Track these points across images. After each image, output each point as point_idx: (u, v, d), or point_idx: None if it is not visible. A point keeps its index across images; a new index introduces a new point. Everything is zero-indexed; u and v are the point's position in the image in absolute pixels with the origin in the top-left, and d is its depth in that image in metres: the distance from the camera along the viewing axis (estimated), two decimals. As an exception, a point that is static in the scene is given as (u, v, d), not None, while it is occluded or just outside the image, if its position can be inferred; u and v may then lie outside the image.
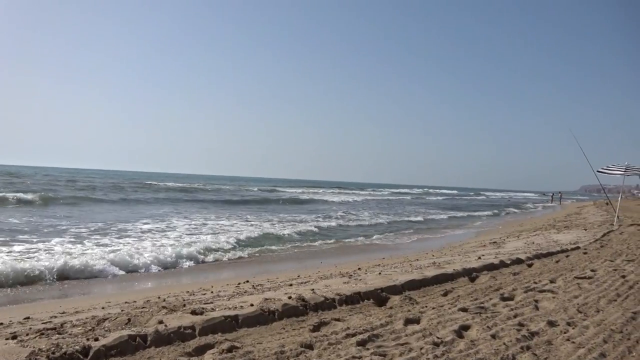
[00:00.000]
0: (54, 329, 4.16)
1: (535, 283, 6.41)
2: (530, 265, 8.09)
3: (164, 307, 4.79)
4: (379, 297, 5.50)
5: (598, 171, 17.86)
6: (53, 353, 3.28)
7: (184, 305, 4.92)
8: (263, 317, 4.46)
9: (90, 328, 4.11)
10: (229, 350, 3.62)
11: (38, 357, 3.22)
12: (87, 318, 4.56)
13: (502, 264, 7.96)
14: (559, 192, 62.21)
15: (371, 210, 31.56)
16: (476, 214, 32.48)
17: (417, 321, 4.53)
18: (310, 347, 3.75)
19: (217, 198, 36.66)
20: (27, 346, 3.50)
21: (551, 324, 4.46)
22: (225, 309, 4.65)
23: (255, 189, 56.59)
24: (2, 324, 4.69)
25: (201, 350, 3.65)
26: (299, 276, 7.85)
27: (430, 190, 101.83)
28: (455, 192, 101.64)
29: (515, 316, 4.73)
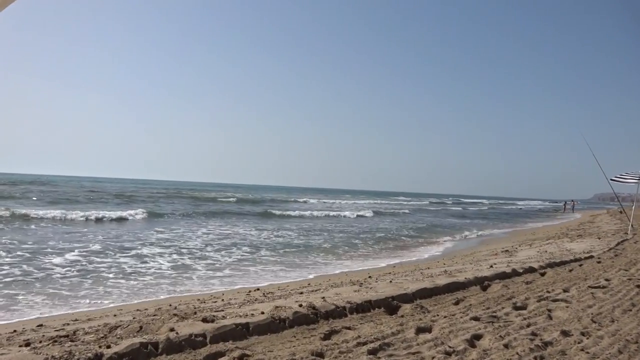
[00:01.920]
0: (67, 336, 4.19)
1: (549, 292, 6.34)
2: (543, 274, 8.01)
3: (175, 315, 4.81)
4: (390, 305, 5.47)
5: (612, 179, 17.67)
6: (66, 360, 3.30)
7: (195, 313, 4.93)
8: (274, 325, 4.45)
9: (102, 335, 4.13)
10: (240, 358, 3.62)
11: (51, 363, 3.24)
12: (99, 325, 4.58)
13: (515, 273, 7.89)
14: (572, 201, 61.59)
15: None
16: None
17: (428, 330, 4.50)
18: (321, 355, 3.74)
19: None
20: (40, 353, 3.52)
21: (565, 333, 4.41)
22: (236, 316, 4.66)
23: (314, 201, 54.79)
24: (15, 331, 4.73)
25: (212, 358, 3.65)
26: (309, 284, 7.84)
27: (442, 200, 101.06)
28: (488, 201, 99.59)
29: (528, 325, 4.68)
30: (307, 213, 30.99)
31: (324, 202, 54.44)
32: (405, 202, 67.30)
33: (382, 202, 62.80)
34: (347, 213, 33.64)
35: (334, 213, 33.08)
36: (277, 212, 30.18)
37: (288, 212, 30.73)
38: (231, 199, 45.36)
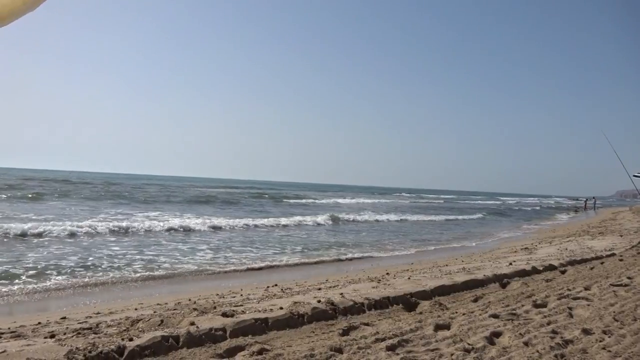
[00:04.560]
0: (90, 328, 4.28)
1: (569, 290, 6.27)
2: (563, 272, 7.92)
3: (195, 309, 4.87)
4: (409, 302, 5.47)
5: (634, 176, 17.32)
6: (90, 352, 3.37)
7: (215, 308, 4.99)
8: (293, 321, 4.49)
9: (124, 328, 4.21)
10: (259, 352, 3.66)
11: (76, 355, 3.32)
12: (121, 319, 4.67)
13: (534, 270, 7.81)
14: (593, 197, 60.58)
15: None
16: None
17: (447, 327, 4.49)
18: (339, 351, 3.76)
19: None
20: (65, 345, 3.61)
21: (586, 332, 4.36)
22: (255, 311, 4.71)
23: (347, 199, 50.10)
24: (40, 323, 4.84)
25: (232, 352, 3.70)
26: (327, 280, 7.86)
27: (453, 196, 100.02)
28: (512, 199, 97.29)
29: (548, 323, 4.63)
30: (368, 217, 25.47)
31: (356, 201, 48.78)
32: (441, 201, 65.08)
33: (419, 201, 60.35)
34: (418, 217, 27.77)
35: (387, 217, 26.34)
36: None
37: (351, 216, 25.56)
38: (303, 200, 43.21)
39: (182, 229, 15.54)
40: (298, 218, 21.52)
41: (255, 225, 18.11)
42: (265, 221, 19.16)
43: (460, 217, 30.45)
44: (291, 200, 41.02)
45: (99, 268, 8.95)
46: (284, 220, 20.04)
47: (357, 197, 56.47)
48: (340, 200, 46.89)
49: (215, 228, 16.54)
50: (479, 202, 68.65)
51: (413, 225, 23.16)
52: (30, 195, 26.99)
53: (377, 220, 24.28)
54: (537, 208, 53.80)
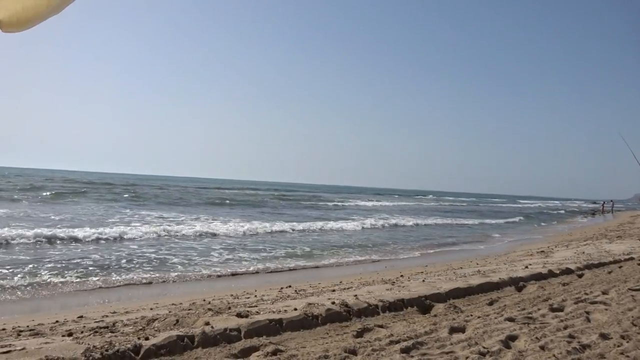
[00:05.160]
0: (107, 327, 4.33)
1: (587, 294, 6.19)
2: (580, 276, 7.81)
3: (209, 309, 4.91)
4: (423, 304, 5.44)
5: (654, 179, 17.05)
6: (107, 350, 3.42)
7: (229, 308, 5.02)
8: (307, 322, 4.50)
9: (140, 328, 4.25)
10: (274, 353, 3.67)
11: (93, 353, 3.36)
12: (137, 318, 4.72)
13: (551, 274, 7.72)
14: (611, 201, 59.66)
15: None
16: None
17: (462, 330, 4.46)
18: (354, 352, 3.76)
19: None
20: (82, 343, 3.66)
21: (604, 336, 4.30)
22: (269, 312, 4.72)
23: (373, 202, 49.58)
24: (57, 321, 4.91)
25: (246, 352, 3.72)
26: (341, 282, 7.86)
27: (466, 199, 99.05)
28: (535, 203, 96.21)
29: (565, 328, 4.58)
30: (420, 221, 25.34)
31: (382, 204, 47.82)
32: (473, 204, 64.60)
33: (442, 204, 59.58)
34: (468, 222, 27.26)
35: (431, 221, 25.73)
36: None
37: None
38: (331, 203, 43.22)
39: (250, 233, 16.03)
40: (370, 221, 22.43)
41: (323, 229, 18.78)
42: (332, 224, 20.16)
43: (501, 220, 30.67)
44: (329, 203, 41.62)
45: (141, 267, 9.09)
46: (348, 225, 20.63)
47: (380, 200, 56.17)
48: (367, 203, 46.78)
49: (278, 232, 16.99)
50: (503, 205, 67.96)
51: (479, 228, 23.88)
52: (75, 199, 27.24)
53: (426, 224, 24.28)
54: (562, 212, 53.02)
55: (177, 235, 14.22)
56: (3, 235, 11.24)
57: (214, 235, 15.05)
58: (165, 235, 13.97)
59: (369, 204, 46.54)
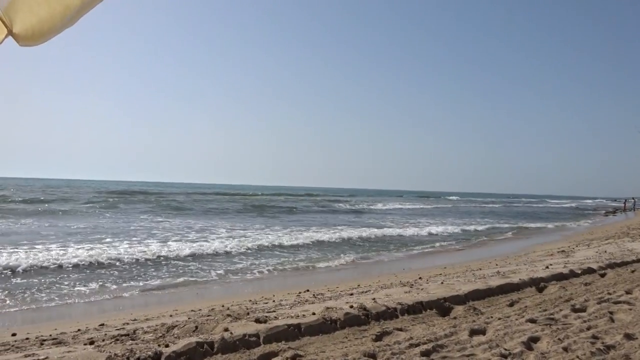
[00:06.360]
0: (127, 335, 4.37)
1: (610, 294, 6.07)
2: (603, 275, 7.68)
3: (228, 315, 4.92)
4: (442, 307, 5.39)
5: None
6: (128, 358, 3.45)
7: (248, 314, 5.03)
8: (325, 326, 4.48)
9: (160, 335, 4.29)
10: (293, 358, 3.67)
11: (114, 361, 3.40)
12: (157, 325, 4.76)
13: (572, 274, 7.59)
14: (633, 198, 58.57)
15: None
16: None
17: (482, 332, 4.41)
18: (373, 356, 3.74)
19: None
20: (104, 351, 3.70)
21: (629, 337, 4.22)
22: (288, 317, 4.72)
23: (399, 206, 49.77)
24: (79, 330, 4.98)
25: (265, 357, 3.72)
26: (359, 285, 7.84)
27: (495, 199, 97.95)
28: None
29: (588, 328, 4.50)
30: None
31: (422, 207, 48.33)
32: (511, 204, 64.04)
33: (473, 205, 59.45)
34: (548, 225, 27.03)
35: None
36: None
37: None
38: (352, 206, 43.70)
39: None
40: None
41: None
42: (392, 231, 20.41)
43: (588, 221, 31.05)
44: (377, 206, 42.91)
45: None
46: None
47: (412, 203, 56.48)
48: (398, 206, 46.98)
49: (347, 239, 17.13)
50: (539, 205, 67.56)
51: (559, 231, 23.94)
52: (110, 211, 27.55)
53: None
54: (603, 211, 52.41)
55: (276, 246, 14.40)
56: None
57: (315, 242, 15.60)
58: (261, 249, 13.91)
59: (402, 206, 46.59)
